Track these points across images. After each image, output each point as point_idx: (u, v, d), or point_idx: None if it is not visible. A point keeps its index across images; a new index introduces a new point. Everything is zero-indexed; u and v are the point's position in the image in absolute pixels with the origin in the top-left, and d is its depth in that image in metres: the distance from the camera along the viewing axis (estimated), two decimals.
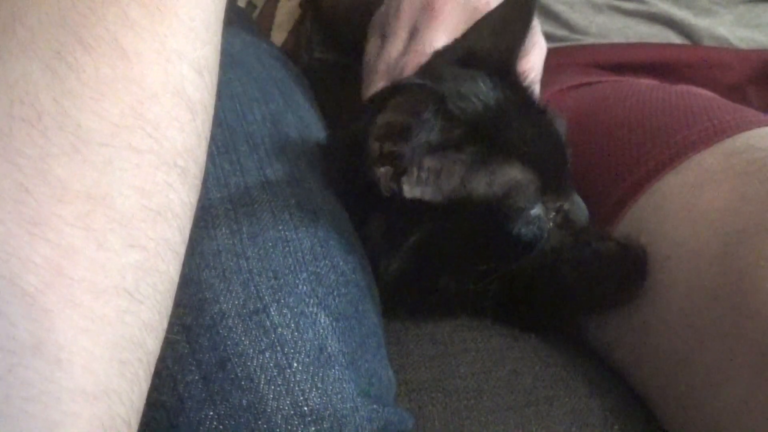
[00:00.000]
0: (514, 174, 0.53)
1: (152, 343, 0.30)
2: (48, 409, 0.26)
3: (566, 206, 0.56)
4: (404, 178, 0.52)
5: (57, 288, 0.27)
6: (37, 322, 0.26)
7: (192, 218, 0.33)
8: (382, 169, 0.52)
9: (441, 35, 0.62)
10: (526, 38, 0.59)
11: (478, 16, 0.62)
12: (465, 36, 0.60)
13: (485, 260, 0.54)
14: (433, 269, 0.55)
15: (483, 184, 0.53)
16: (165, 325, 0.32)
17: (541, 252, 0.55)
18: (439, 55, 0.59)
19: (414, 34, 0.64)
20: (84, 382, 0.27)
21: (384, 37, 0.67)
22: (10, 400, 0.25)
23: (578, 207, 0.57)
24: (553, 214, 0.56)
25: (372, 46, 0.68)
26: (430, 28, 0.62)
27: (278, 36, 0.89)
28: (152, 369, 0.31)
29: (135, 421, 0.29)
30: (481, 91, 0.55)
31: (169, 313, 0.32)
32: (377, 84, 0.65)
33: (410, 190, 0.52)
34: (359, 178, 0.53)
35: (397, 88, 0.50)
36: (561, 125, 0.58)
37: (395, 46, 0.65)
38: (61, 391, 0.26)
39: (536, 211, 0.54)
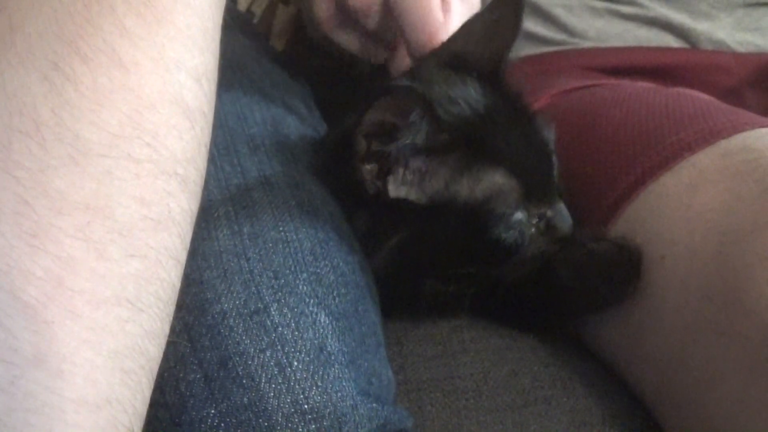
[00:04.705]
0: (497, 179, 0.53)
1: (154, 350, 0.30)
2: (51, 421, 0.26)
3: (549, 213, 0.57)
4: (390, 178, 0.53)
5: (58, 299, 0.27)
6: (38, 333, 0.26)
7: (193, 225, 0.33)
8: (368, 167, 0.53)
9: None
10: (515, 43, 0.59)
11: None
12: (454, 38, 0.60)
13: (466, 263, 0.55)
14: (414, 269, 0.55)
15: (466, 188, 0.53)
16: (167, 331, 0.32)
17: (521, 258, 0.55)
18: (428, 57, 0.60)
19: None
20: (86, 392, 0.27)
21: None
22: (12, 412, 0.25)
23: (562, 215, 0.57)
24: (536, 220, 0.56)
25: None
26: None
27: (277, 43, 0.89)
28: (155, 375, 0.31)
29: (138, 427, 0.30)
30: (471, 96, 0.55)
31: (171, 318, 0.32)
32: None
33: (395, 190, 0.53)
34: (346, 174, 0.53)
35: (386, 89, 0.51)
36: (549, 133, 0.58)
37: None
38: (64, 402, 0.26)
39: (518, 216, 0.54)
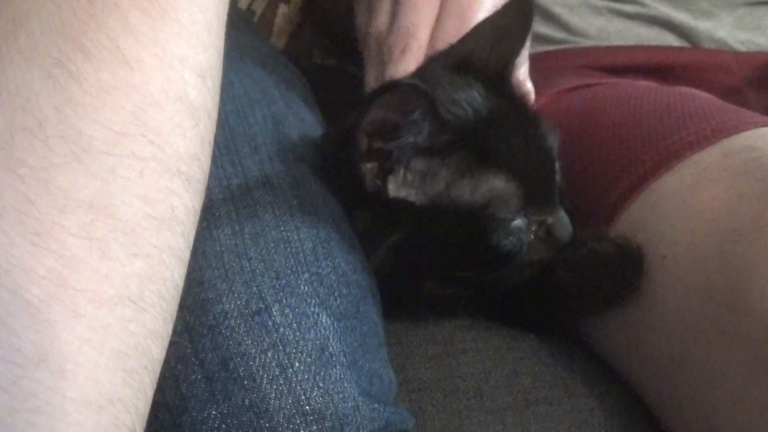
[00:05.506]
0: (497, 184, 0.53)
1: (157, 350, 0.30)
2: (53, 420, 0.26)
3: (550, 221, 0.56)
4: (391, 177, 0.53)
5: (60, 299, 0.27)
6: (41, 333, 0.26)
7: (196, 223, 0.33)
8: (369, 165, 0.53)
9: (420, 13, 0.63)
10: (523, 48, 0.59)
11: None
12: (462, 41, 0.60)
13: (463, 267, 0.55)
14: (412, 270, 0.55)
15: (467, 191, 0.53)
16: (170, 331, 0.32)
17: (519, 264, 0.55)
18: (435, 59, 0.60)
19: (396, 7, 0.64)
20: (89, 392, 0.27)
21: (370, 10, 0.68)
22: (15, 412, 0.25)
23: (562, 223, 0.57)
24: (535, 227, 0.56)
25: (361, 18, 0.69)
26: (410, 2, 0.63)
27: (278, 41, 0.89)
28: (157, 375, 0.31)
29: (140, 427, 0.30)
30: (474, 99, 0.55)
31: (174, 318, 0.32)
32: (373, 62, 0.66)
33: (395, 190, 0.53)
34: (347, 172, 0.53)
35: (388, 87, 0.51)
36: (553, 138, 0.58)
37: (380, 19, 0.66)
38: (66, 401, 0.26)
39: (517, 222, 0.54)
